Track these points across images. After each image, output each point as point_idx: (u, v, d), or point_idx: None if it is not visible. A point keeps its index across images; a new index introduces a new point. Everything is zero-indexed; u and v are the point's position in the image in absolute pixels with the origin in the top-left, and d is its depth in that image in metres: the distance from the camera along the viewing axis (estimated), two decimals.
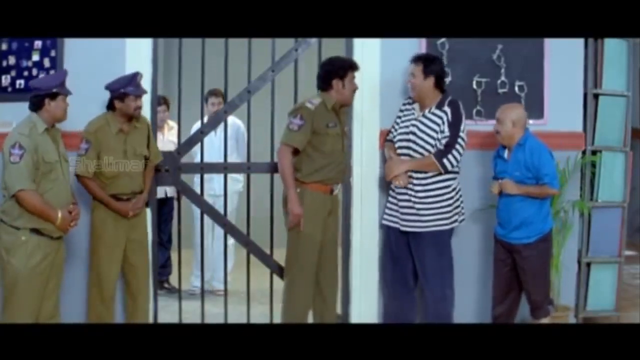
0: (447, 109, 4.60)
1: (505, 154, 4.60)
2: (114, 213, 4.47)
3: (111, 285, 4.51)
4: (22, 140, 3.98)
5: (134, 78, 4.47)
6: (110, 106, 4.50)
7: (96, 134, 4.44)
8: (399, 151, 4.69)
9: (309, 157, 4.56)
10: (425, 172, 4.58)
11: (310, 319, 4.73)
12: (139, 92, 4.48)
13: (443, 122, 4.58)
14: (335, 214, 4.73)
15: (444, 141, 4.57)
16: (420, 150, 4.60)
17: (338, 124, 4.61)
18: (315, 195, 4.56)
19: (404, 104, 4.78)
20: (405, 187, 4.62)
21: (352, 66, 4.61)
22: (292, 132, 4.52)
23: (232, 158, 5.73)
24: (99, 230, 4.49)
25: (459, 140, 4.57)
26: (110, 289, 4.51)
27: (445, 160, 4.55)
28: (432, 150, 4.58)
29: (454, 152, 4.56)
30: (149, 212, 4.76)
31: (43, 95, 4.09)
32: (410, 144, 4.63)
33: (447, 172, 4.58)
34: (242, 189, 6.11)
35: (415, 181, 4.60)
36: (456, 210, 4.67)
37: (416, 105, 4.69)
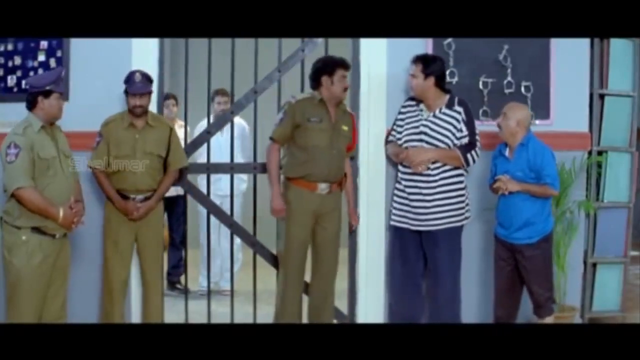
0: (459, 108, 4.65)
1: (507, 152, 4.61)
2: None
3: (118, 284, 4.51)
4: (17, 139, 3.98)
5: (131, 76, 4.51)
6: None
7: (107, 127, 4.51)
8: None
9: (290, 152, 4.63)
10: (437, 169, 4.61)
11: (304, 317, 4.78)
12: (134, 90, 4.48)
13: (459, 122, 4.63)
14: (332, 214, 4.66)
15: (464, 140, 4.63)
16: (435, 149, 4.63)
17: (325, 120, 4.60)
18: (298, 192, 4.58)
19: (406, 105, 4.78)
20: (418, 187, 4.63)
21: (341, 64, 4.61)
22: (275, 126, 4.63)
23: (237, 159, 5.73)
24: (106, 228, 4.54)
25: (477, 137, 4.65)
26: (118, 288, 4.51)
27: (469, 156, 4.62)
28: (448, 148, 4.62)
29: (476, 149, 4.64)
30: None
31: (36, 93, 4.09)
32: (423, 144, 4.63)
33: (468, 166, 4.65)
34: (246, 190, 6.14)
35: (429, 171, 4.61)
36: (467, 207, 4.72)
37: (423, 106, 4.70)
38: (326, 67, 4.59)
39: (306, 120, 4.56)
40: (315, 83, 4.63)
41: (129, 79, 4.49)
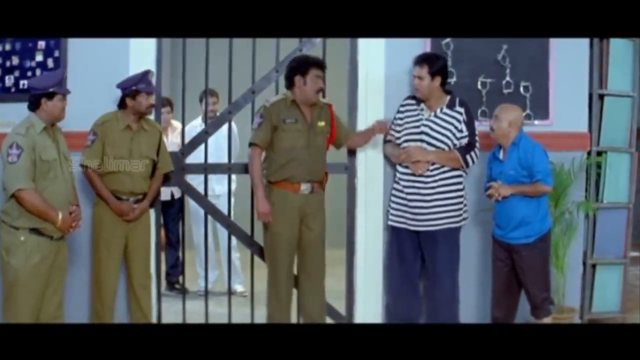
0: (460, 109, 4.65)
1: (501, 154, 4.61)
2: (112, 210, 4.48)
3: (109, 284, 4.49)
4: (19, 140, 3.97)
5: (146, 75, 4.51)
6: (122, 105, 4.51)
7: (103, 126, 4.48)
8: None
9: (270, 156, 4.61)
10: (436, 170, 4.60)
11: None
12: (151, 89, 4.52)
13: (460, 122, 4.63)
14: (317, 214, 4.66)
15: (463, 140, 4.62)
16: (435, 149, 4.62)
17: (301, 120, 4.57)
18: (281, 194, 4.56)
19: (405, 104, 4.76)
20: (416, 188, 4.62)
21: (316, 64, 4.57)
22: (254, 131, 4.59)
23: (224, 159, 5.70)
24: (97, 228, 4.50)
25: (477, 138, 4.64)
26: (109, 288, 4.49)
27: (468, 157, 4.62)
28: (448, 149, 4.62)
29: (476, 149, 4.64)
30: (152, 212, 4.76)
31: (40, 95, 4.09)
32: (423, 144, 4.62)
33: (467, 167, 4.65)
34: (234, 190, 6.12)
35: (428, 172, 4.60)
36: (465, 208, 4.71)
37: (423, 106, 4.69)
38: (300, 67, 4.56)
39: (282, 122, 4.54)
40: (289, 82, 4.61)
41: (143, 79, 4.48)
